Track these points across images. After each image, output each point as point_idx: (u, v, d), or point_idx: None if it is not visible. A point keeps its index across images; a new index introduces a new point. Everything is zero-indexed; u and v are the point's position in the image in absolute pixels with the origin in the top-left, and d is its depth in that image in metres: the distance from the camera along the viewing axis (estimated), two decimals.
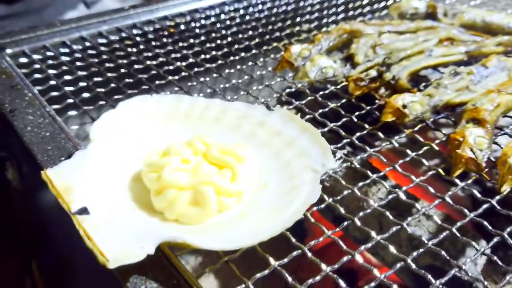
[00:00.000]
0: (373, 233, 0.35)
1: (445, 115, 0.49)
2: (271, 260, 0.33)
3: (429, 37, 0.57)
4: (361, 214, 0.37)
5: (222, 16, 0.70)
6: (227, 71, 0.56)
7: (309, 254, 0.34)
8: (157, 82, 0.53)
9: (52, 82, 0.52)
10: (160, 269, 0.32)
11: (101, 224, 0.33)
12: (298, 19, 0.71)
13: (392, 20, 0.63)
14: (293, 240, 0.35)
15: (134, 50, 0.59)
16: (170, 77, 0.54)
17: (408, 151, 0.43)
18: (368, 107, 0.49)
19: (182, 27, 0.66)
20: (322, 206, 0.37)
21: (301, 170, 0.39)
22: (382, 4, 0.77)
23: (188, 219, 0.36)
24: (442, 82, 0.49)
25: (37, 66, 0.54)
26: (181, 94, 0.49)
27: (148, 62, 0.56)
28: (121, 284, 0.31)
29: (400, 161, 0.42)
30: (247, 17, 0.70)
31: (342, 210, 0.37)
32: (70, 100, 0.49)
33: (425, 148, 0.44)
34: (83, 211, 0.34)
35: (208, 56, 0.59)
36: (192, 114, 0.44)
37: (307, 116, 0.47)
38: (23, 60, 0.56)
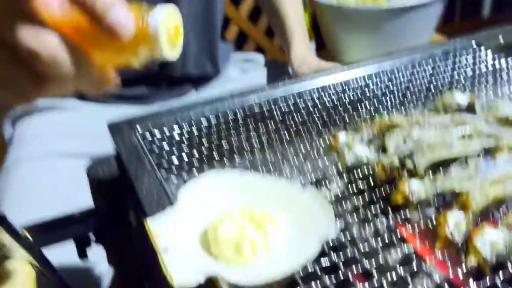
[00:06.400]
0: None
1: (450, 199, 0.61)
2: None
3: (456, 131, 0.69)
4: None
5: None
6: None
7: None
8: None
9: (163, 153, 0.74)
10: None
11: (175, 258, 0.52)
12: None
13: (432, 113, 0.76)
14: None
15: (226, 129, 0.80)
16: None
17: None
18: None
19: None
20: None
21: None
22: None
23: (231, 261, 0.54)
24: (449, 171, 0.61)
25: (156, 141, 0.77)
26: (244, 170, 0.68)
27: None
28: None
29: None
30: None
31: None
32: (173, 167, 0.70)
33: None
34: (165, 249, 0.53)
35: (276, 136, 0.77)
36: (249, 187, 0.63)
37: None
38: (148, 136, 0.79)
